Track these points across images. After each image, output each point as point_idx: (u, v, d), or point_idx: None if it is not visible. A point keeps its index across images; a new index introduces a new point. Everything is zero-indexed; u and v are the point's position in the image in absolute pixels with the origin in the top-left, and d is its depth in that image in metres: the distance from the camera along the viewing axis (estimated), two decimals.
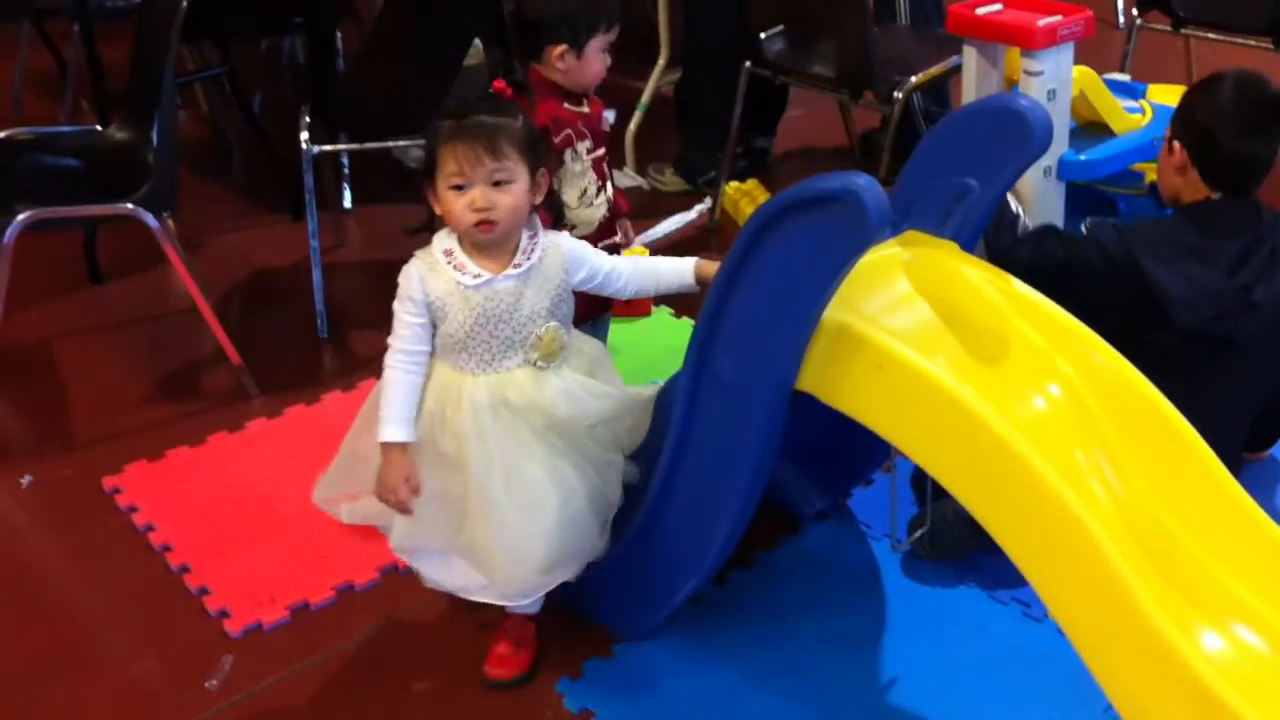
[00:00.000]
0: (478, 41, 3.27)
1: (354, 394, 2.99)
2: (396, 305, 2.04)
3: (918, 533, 2.39)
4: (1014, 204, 2.48)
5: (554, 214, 2.21)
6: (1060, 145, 2.68)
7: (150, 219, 2.86)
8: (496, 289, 2.01)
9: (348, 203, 3.90)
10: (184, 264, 2.95)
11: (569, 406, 2.05)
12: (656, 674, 2.23)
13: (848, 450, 2.47)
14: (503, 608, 2.19)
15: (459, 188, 1.97)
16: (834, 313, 1.91)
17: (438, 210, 2.03)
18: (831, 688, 2.19)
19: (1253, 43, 3.62)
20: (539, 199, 2.06)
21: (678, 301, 3.08)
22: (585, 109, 2.47)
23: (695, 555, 2.14)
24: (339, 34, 3.81)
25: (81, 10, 3.72)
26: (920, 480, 2.41)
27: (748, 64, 3.49)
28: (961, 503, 1.86)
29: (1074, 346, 1.98)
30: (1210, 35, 3.74)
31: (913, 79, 3.28)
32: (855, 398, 1.93)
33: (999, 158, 2.04)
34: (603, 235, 2.51)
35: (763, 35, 3.45)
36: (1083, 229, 2.38)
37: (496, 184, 1.97)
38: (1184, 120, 2.37)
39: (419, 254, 2.05)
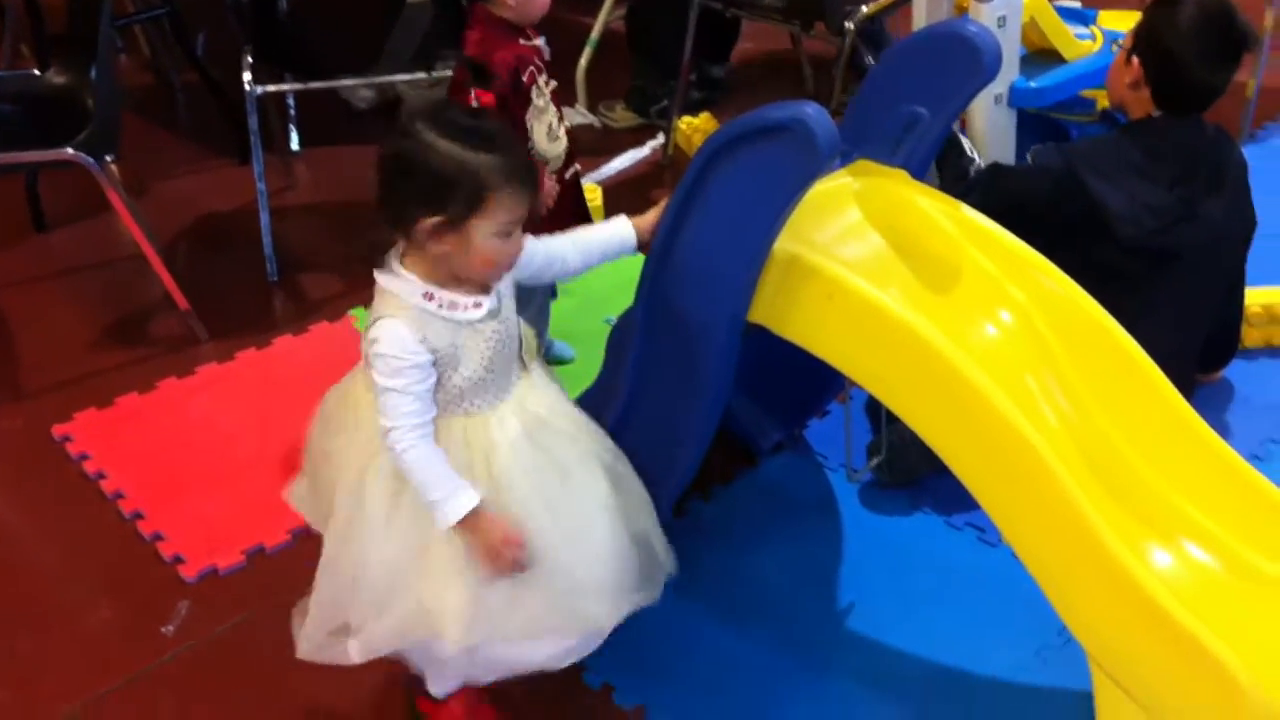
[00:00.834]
0: None
1: (305, 337, 2.96)
2: (388, 381, 1.72)
3: (874, 460, 2.41)
4: (967, 146, 2.47)
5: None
6: (1011, 72, 2.67)
7: (91, 163, 2.81)
8: (501, 309, 1.80)
9: (295, 145, 3.84)
10: (128, 209, 2.91)
11: (558, 388, 1.94)
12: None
13: (803, 382, 2.48)
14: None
15: (506, 234, 1.73)
16: (785, 244, 1.90)
17: (437, 249, 1.71)
18: (790, 617, 2.21)
19: None
20: None
21: None
22: (537, 42, 2.44)
23: (654, 493, 2.14)
24: None
25: None
26: (875, 407, 2.42)
27: None
28: (915, 430, 1.87)
29: (1026, 273, 1.98)
30: None
31: (864, 9, 3.26)
32: (807, 328, 1.93)
33: (948, 85, 2.03)
34: (567, 165, 2.50)
35: None
36: (1028, 158, 2.38)
37: None
38: (1146, 38, 2.35)
39: (387, 314, 1.72)
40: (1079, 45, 2.82)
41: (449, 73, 2.61)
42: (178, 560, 2.36)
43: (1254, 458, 2.43)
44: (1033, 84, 2.72)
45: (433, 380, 1.74)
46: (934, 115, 2.05)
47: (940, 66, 2.03)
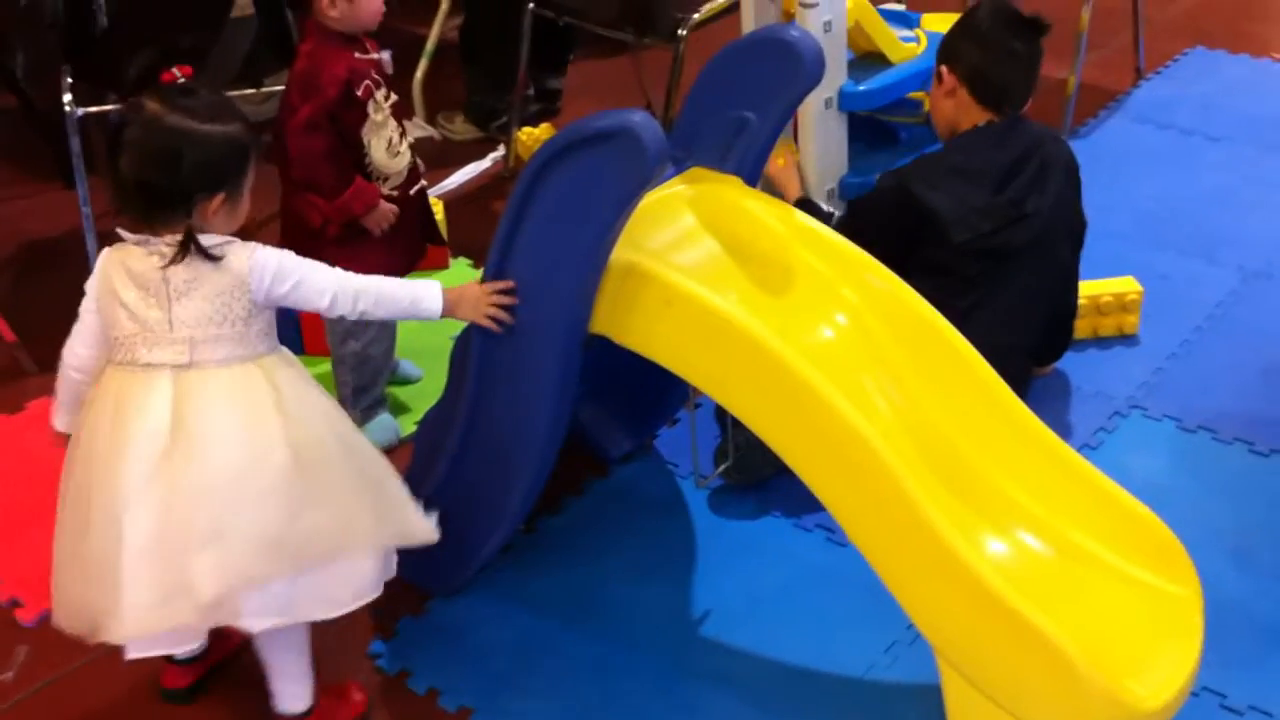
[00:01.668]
0: None
1: None
2: (314, 272, 1.88)
3: (722, 465, 2.42)
4: (825, 206, 2.66)
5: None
6: (839, 77, 2.71)
7: None
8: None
9: None
10: None
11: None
12: (471, 627, 2.22)
13: (650, 390, 2.48)
14: None
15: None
16: (621, 252, 1.91)
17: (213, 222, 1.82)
18: (642, 623, 2.21)
19: None
20: None
21: (477, 252, 3.04)
22: (373, 55, 2.41)
23: (500, 506, 2.13)
24: None
25: None
26: (723, 412, 2.44)
27: (531, 4, 3.44)
28: (757, 433, 1.89)
29: (856, 273, 2.03)
30: None
31: (695, 16, 3.29)
32: (646, 336, 1.94)
33: (772, 89, 2.06)
34: (412, 181, 2.47)
35: None
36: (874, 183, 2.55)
37: None
38: (949, 47, 2.54)
39: (253, 245, 1.85)
40: (904, 48, 2.89)
41: (280, 87, 2.55)
42: (14, 604, 2.28)
43: (1086, 447, 2.50)
44: (860, 87, 2.77)
45: None
46: (761, 119, 2.08)
47: (765, 71, 2.06)
